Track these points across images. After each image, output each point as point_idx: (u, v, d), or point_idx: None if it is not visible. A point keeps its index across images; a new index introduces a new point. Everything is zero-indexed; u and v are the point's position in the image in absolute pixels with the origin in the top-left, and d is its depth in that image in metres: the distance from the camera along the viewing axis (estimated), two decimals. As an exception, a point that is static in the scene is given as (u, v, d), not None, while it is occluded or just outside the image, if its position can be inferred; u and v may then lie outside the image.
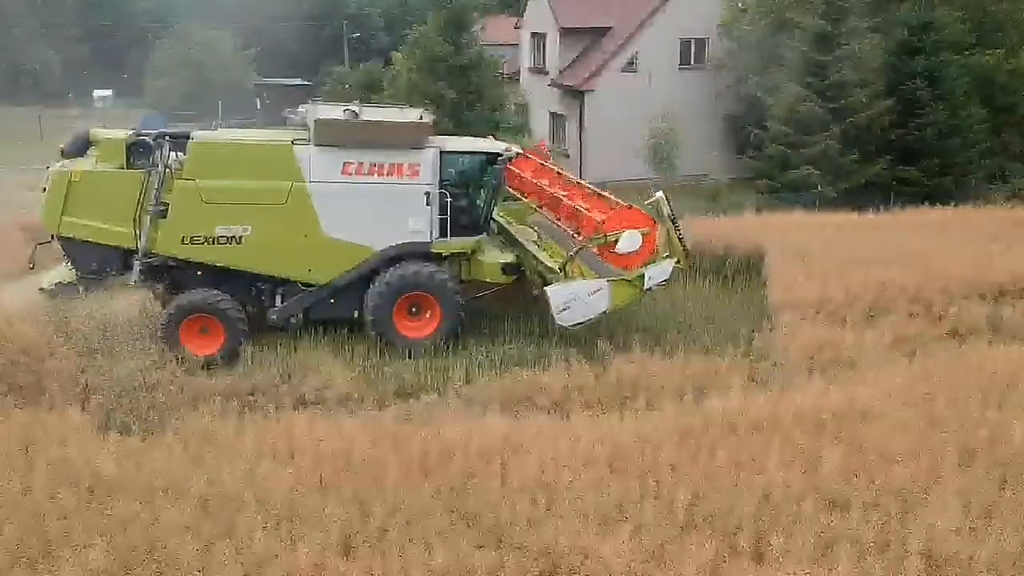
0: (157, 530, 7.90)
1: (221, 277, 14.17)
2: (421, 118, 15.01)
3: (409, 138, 14.44)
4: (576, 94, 33.97)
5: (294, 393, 12.49)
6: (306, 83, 60.22)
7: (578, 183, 15.85)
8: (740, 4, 33.80)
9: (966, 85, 30.24)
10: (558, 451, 9.60)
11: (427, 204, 14.41)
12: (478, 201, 15.42)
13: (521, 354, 14.15)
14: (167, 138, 14.20)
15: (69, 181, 13.66)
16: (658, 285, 13.98)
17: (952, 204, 24.77)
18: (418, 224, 14.45)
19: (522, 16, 40.87)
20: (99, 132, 14.76)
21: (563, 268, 13.83)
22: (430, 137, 14.83)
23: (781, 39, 30.88)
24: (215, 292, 13.98)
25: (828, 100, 28.82)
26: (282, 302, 14.45)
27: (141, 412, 11.45)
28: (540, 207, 16.08)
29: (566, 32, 35.84)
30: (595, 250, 13.81)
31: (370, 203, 14.18)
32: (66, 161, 14.06)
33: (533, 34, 38.91)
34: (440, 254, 14.82)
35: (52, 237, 14.18)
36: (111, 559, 7.43)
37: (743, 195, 28.57)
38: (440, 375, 13.36)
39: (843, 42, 29.26)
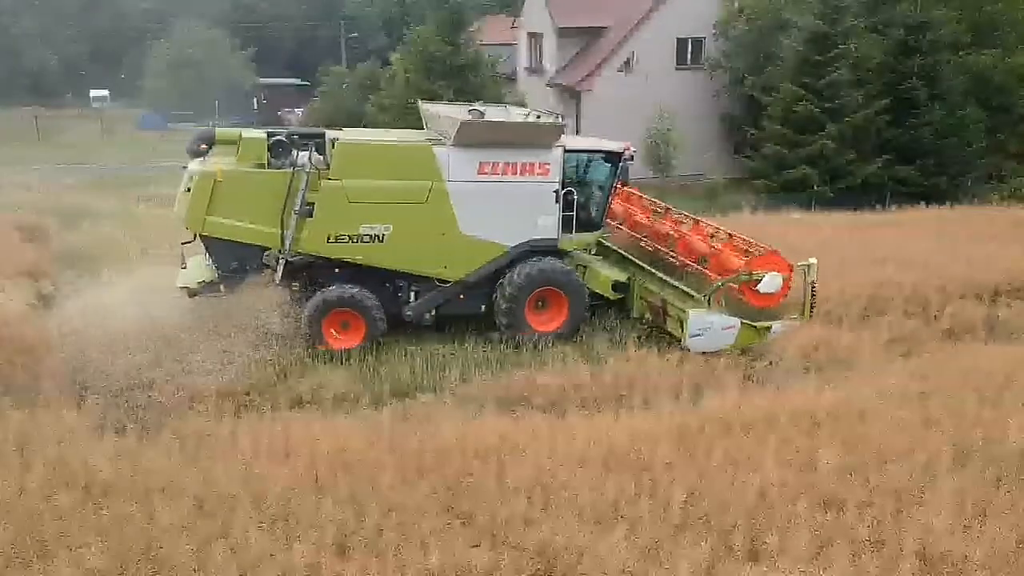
0: (153, 530, 7.90)
1: (357, 274, 14.40)
2: (539, 117, 15.54)
3: (545, 138, 14.82)
4: (573, 94, 34.02)
5: (290, 393, 12.48)
6: (304, 83, 60.28)
7: (697, 221, 16.42)
8: (736, 4, 33.82)
9: (962, 85, 30.30)
10: (554, 450, 9.61)
11: (556, 202, 14.81)
12: (595, 198, 15.78)
13: (517, 353, 14.20)
14: (296, 137, 14.39)
15: (214, 181, 13.68)
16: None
17: (948, 204, 24.82)
18: (547, 221, 14.86)
19: (519, 16, 40.90)
20: (224, 131, 14.88)
21: (708, 298, 14.35)
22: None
23: (777, 39, 30.93)
24: (358, 288, 14.25)
25: (825, 100, 28.86)
26: (415, 299, 14.76)
27: (137, 412, 11.44)
28: (644, 239, 16.71)
29: (563, 32, 35.87)
30: (735, 286, 14.39)
31: (504, 201, 14.57)
32: (207, 161, 14.06)
33: (530, 34, 38.95)
34: (564, 250, 15.32)
35: (195, 236, 14.23)
36: (107, 559, 7.43)
37: (740, 195, 28.59)
38: (436, 375, 13.35)
39: (840, 42, 29.30)
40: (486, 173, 14.42)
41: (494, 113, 15.86)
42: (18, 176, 30.25)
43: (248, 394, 12.40)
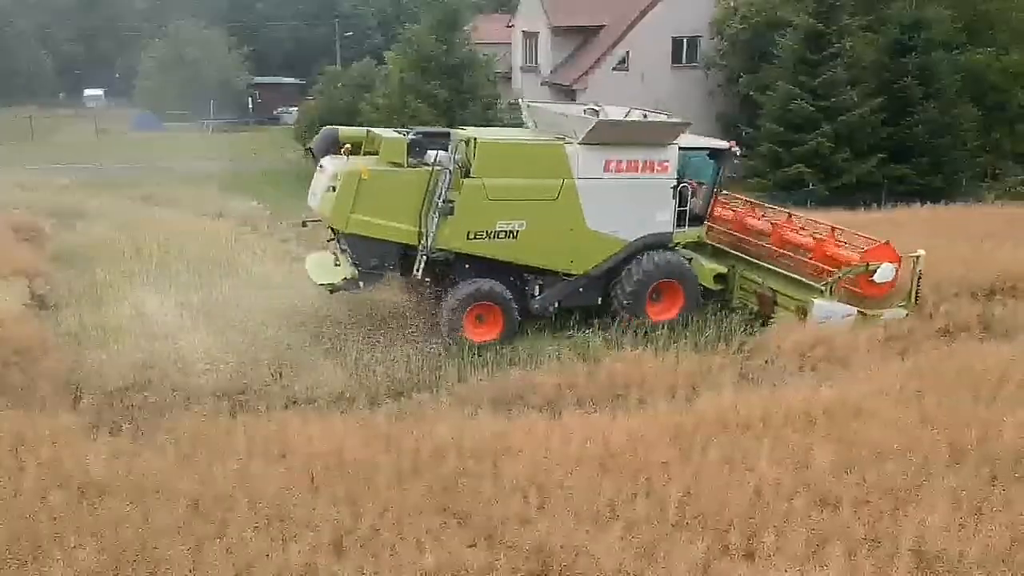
0: (148, 530, 7.86)
1: (487, 270, 14.76)
2: (646, 116, 16.15)
3: (667, 136, 15.36)
4: (568, 92, 34.00)
5: (286, 392, 12.44)
6: (299, 82, 60.24)
7: (789, 215, 17.21)
8: (732, 2, 33.86)
9: (957, 83, 30.37)
10: (550, 449, 9.59)
11: (673, 197, 15.33)
12: (701, 194, 16.25)
13: (513, 352, 14.19)
14: (421, 136, 14.67)
15: (359, 180, 13.87)
16: None
17: (943, 202, 24.84)
18: (664, 216, 15.42)
19: (514, 15, 40.89)
20: (348, 131, 15.21)
21: (830, 288, 14.83)
22: None
23: (773, 38, 30.96)
24: (496, 282, 14.66)
25: (820, 98, 28.92)
26: (540, 292, 15.13)
27: (132, 412, 11.41)
28: (742, 238, 17.21)
29: (558, 31, 35.88)
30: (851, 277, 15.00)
31: (627, 197, 15.09)
32: (347, 160, 14.24)
33: (525, 33, 38.95)
34: (677, 244, 15.86)
35: (334, 234, 14.55)
36: (102, 559, 7.40)
37: (735, 194, 28.54)
38: (432, 374, 13.33)
39: (834, 40, 29.35)
40: (611, 170, 14.89)
41: (607, 112, 16.28)
42: (13, 176, 30.23)
43: (243, 394, 12.37)
